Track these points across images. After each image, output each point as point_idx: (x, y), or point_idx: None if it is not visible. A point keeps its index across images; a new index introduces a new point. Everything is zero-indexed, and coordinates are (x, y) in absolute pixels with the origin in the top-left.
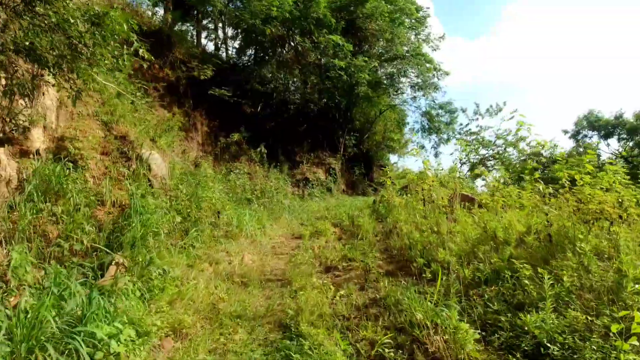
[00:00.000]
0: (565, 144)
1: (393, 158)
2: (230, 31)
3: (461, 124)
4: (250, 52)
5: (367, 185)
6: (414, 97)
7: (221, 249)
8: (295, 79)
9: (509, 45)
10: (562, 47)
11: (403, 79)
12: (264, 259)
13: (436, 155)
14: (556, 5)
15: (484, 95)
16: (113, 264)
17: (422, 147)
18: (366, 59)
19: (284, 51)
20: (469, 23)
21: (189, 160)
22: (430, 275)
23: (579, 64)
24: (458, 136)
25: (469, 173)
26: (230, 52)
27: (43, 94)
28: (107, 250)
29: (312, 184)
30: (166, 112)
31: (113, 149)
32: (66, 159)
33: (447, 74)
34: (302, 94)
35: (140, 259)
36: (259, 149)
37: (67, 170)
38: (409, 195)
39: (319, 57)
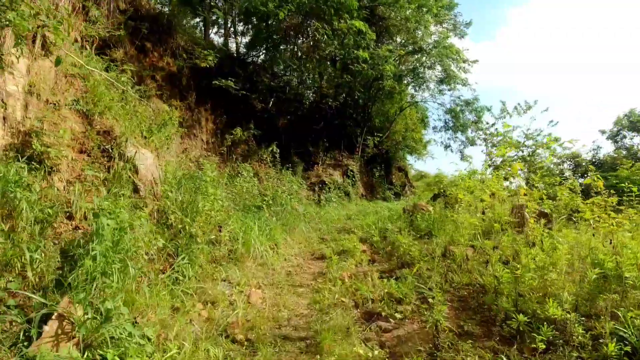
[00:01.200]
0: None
1: (410, 159)
2: (240, 27)
3: (487, 123)
4: (261, 48)
5: (386, 188)
6: (440, 91)
7: (221, 278)
8: (310, 73)
9: (512, 50)
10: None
11: (429, 71)
12: (278, 296)
13: (462, 157)
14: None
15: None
16: (54, 317)
17: (447, 147)
18: (391, 47)
19: (299, 41)
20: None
21: (190, 161)
22: (542, 346)
23: (587, 69)
24: (482, 135)
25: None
26: (240, 49)
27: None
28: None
29: (329, 188)
30: (165, 105)
31: (93, 147)
32: (25, 159)
33: (474, 62)
34: (318, 88)
35: (99, 306)
36: (270, 149)
37: (31, 173)
38: (449, 204)
39: (337, 47)
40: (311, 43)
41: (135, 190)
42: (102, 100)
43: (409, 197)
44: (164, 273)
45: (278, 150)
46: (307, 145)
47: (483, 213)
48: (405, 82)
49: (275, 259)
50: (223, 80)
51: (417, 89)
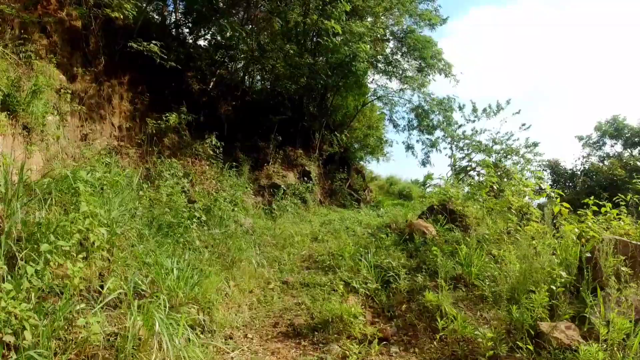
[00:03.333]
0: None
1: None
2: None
3: (456, 123)
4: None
5: (347, 193)
6: (418, 85)
7: None
8: (265, 48)
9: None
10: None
11: (402, 60)
12: None
13: (424, 162)
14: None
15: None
16: None
17: (410, 147)
18: (367, 24)
19: (252, 6)
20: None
21: (91, 151)
22: None
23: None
24: (447, 138)
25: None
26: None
27: None
28: None
29: (283, 192)
30: (57, 71)
31: None
32: None
33: (449, 67)
34: (272, 69)
35: None
36: (208, 140)
37: None
38: (459, 226)
39: (301, 13)
40: (268, 10)
41: None
42: None
43: (369, 204)
44: None
45: (219, 144)
46: (256, 139)
47: (554, 254)
48: (378, 68)
49: (209, 339)
50: (144, 43)
51: (389, 78)
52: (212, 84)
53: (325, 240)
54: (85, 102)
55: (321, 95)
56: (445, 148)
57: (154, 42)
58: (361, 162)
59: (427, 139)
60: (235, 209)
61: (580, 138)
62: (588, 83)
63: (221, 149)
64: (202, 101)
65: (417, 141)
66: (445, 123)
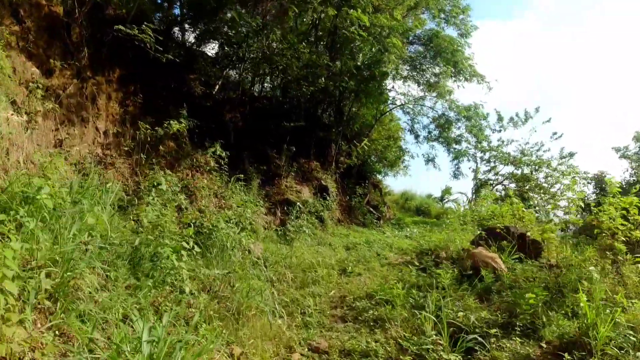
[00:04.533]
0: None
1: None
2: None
3: (483, 131)
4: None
5: (366, 211)
6: (445, 90)
7: None
8: (278, 45)
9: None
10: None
11: (428, 66)
12: None
13: (455, 175)
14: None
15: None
16: None
17: (430, 160)
18: (398, 17)
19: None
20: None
21: (67, 161)
22: None
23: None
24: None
25: (473, 196)
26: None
27: None
28: None
29: (298, 210)
30: (30, 64)
31: None
32: None
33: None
34: (285, 69)
35: None
36: (212, 150)
37: None
38: (532, 255)
39: (320, 3)
40: (280, 6)
41: None
42: None
43: (389, 221)
44: None
45: (225, 154)
46: (266, 149)
47: None
48: (400, 74)
49: None
50: (134, 27)
51: (416, 83)
52: (217, 86)
53: (357, 274)
54: (63, 101)
55: (337, 102)
56: (469, 160)
57: (146, 24)
58: (378, 176)
59: (455, 148)
60: (244, 233)
61: (617, 149)
62: (593, 88)
63: (226, 159)
64: (206, 105)
65: (446, 151)
66: (472, 133)
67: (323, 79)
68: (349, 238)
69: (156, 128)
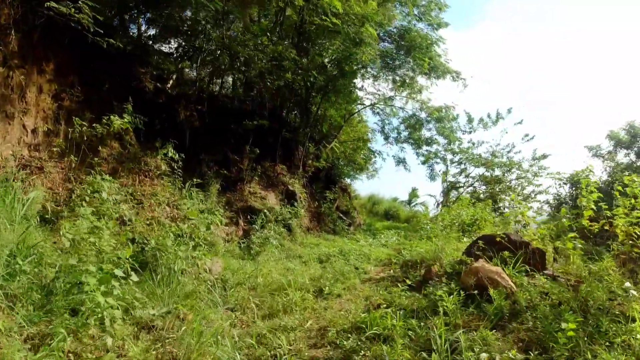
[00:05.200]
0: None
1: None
2: None
3: (455, 132)
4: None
5: (337, 217)
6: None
7: None
8: (240, 37)
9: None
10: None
11: (404, 62)
12: None
13: (432, 177)
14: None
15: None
16: None
17: (400, 161)
18: (373, 6)
19: None
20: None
21: None
22: None
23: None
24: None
25: (441, 197)
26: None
27: None
28: None
29: (264, 219)
30: None
31: None
32: None
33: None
34: (248, 61)
35: None
36: (163, 152)
37: None
38: (536, 267)
39: None
40: None
41: None
42: None
43: (360, 227)
44: None
45: (179, 156)
46: (227, 152)
47: None
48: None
49: None
50: (70, 4)
51: (390, 81)
52: (171, 81)
53: (336, 295)
54: None
55: (304, 102)
56: (437, 163)
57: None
58: (347, 180)
59: (427, 150)
60: (200, 250)
61: (591, 148)
62: (582, 89)
63: (180, 162)
64: (158, 102)
65: (415, 154)
66: (444, 134)
67: (290, 73)
68: (321, 248)
69: (94, 125)
